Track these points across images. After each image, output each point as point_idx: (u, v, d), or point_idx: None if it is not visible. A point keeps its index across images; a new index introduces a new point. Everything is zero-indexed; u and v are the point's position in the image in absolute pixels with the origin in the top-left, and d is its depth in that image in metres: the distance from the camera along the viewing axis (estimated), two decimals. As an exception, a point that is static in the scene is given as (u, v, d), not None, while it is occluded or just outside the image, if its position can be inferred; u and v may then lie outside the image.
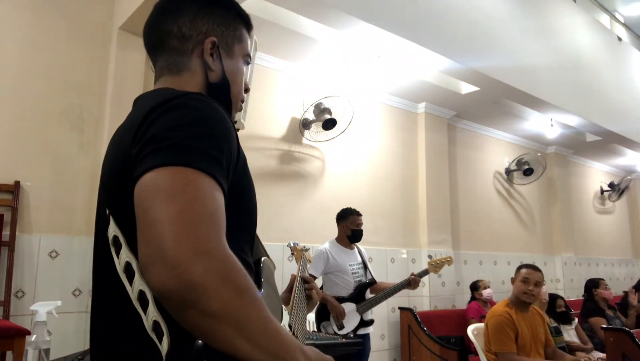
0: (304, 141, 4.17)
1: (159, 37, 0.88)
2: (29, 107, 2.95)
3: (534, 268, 2.92)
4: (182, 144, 0.66)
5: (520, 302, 2.85)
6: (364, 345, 3.15)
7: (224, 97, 0.89)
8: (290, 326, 0.99)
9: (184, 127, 0.68)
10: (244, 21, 0.94)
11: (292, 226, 3.94)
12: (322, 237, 3.64)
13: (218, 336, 0.59)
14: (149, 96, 0.84)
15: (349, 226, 3.35)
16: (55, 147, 3.01)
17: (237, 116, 2.99)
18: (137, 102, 0.87)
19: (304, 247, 1.77)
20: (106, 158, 0.82)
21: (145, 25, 0.91)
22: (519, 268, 2.96)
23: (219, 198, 0.66)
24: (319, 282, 3.36)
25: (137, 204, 0.63)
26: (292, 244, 2.13)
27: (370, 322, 3.29)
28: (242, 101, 0.96)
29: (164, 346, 0.67)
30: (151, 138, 0.68)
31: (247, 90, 0.97)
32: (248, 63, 0.95)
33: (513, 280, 2.93)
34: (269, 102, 4.00)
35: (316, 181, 4.21)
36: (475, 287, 4.69)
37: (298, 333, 1.02)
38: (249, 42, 0.95)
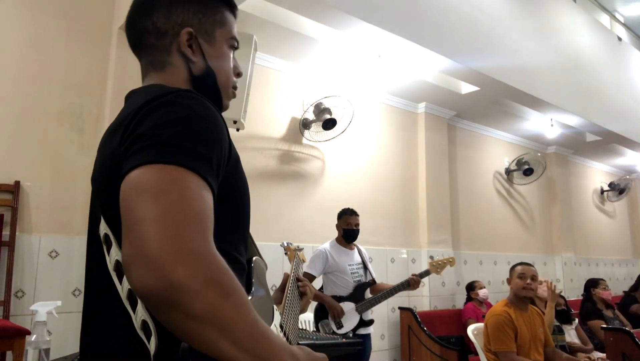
0: (304, 141, 4.17)
1: (137, 35, 0.86)
2: (29, 108, 2.95)
3: (527, 264, 3.00)
4: (169, 142, 0.64)
5: (520, 299, 2.87)
6: (365, 345, 3.14)
7: (212, 87, 0.86)
8: (281, 326, 0.96)
9: (173, 124, 0.67)
10: (225, 2, 0.89)
11: (292, 226, 3.94)
12: (322, 237, 3.64)
13: (202, 339, 0.57)
14: (139, 92, 0.82)
15: (341, 225, 3.36)
16: (55, 147, 3.01)
17: (237, 116, 2.99)
18: (129, 98, 0.85)
19: (298, 247, 1.77)
20: (97, 155, 0.81)
21: (125, 22, 0.89)
22: (513, 267, 3.02)
23: (207, 198, 0.64)
24: (318, 282, 3.36)
25: (122, 203, 0.62)
26: (285, 244, 2.13)
27: (370, 322, 3.28)
28: (235, 88, 0.92)
29: (152, 346, 0.66)
30: (139, 136, 0.66)
31: (239, 75, 0.93)
32: (235, 47, 0.91)
33: (509, 280, 2.98)
34: (269, 102, 4.00)
35: (316, 181, 4.21)
36: (471, 287, 4.69)
37: (290, 334, 1.00)
38: (233, 25, 0.91)
